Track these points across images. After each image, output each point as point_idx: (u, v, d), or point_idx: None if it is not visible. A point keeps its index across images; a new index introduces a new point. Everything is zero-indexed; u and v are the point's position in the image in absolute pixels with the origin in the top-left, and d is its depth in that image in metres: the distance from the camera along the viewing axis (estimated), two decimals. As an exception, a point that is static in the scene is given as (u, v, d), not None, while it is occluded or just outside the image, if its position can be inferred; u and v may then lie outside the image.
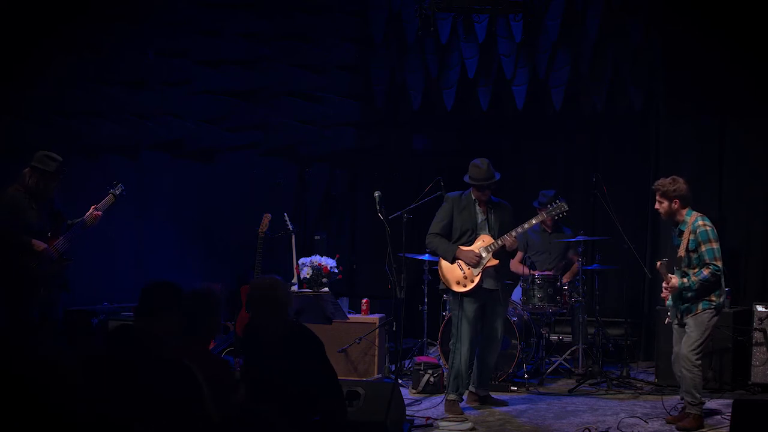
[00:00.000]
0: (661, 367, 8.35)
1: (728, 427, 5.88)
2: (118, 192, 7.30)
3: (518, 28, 9.47)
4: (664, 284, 6.95)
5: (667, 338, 8.27)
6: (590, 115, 10.08)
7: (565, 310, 8.86)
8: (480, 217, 7.47)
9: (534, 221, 7.57)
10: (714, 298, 6.87)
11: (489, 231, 7.44)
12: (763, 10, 8.68)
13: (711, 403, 7.43)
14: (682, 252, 6.86)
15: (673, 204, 6.92)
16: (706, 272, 6.77)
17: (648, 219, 9.76)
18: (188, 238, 9.17)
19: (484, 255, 7.35)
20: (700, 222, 6.87)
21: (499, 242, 7.34)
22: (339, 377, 7.65)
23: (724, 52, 8.91)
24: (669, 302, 6.99)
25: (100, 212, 7.14)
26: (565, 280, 8.90)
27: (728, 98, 9.11)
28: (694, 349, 6.82)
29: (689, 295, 6.86)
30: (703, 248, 6.80)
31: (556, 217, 7.78)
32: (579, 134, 10.68)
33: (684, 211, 6.94)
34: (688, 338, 6.87)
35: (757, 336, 8.20)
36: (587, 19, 9.60)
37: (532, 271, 8.81)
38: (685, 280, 6.80)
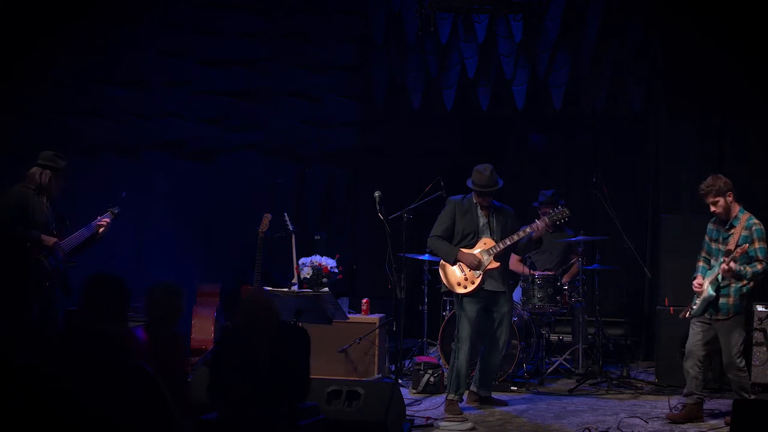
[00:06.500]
0: (661, 367, 8.34)
1: (728, 427, 5.89)
2: (116, 211, 7.32)
3: (518, 28, 9.47)
4: (720, 270, 6.88)
5: (667, 338, 8.29)
6: (590, 115, 10.08)
7: (565, 310, 8.86)
8: (482, 220, 7.46)
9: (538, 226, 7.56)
10: (744, 302, 6.99)
11: (491, 234, 7.43)
12: (763, 10, 8.69)
13: (711, 403, 7.43)
14: (731, 246, 6.90)
15: (728, 197, 6.97)
16: (759, 267, 6.88)
17: (648, 219, 9.75)
18: (188, 238, 9.17)
19: (485, 258, 7.35)
20: (755, 221, 6.98)
21: (508, 241, 7.34)
22: (339, 377, 7.73)
23: (724, 52, 8.91)
24: (709, 292, 6.91)
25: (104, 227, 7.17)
26: (565, 280, 8.90)
27: (728, 98, 9.10)
28: (735, 353, 6.92)
29: (726, 291, 6.91)
30: (758, 245, 6.91)
31: (557, 223, 7.80)
32: (579, 134, 10.68)
33: (737, 207, 7.02)
34: (727, 346, 6.93)
35: (757, 336, 8.19)
36: (587, 19, 9.60)
37: (532, 271, 8.81)
38: (741, 267, 6.85)
